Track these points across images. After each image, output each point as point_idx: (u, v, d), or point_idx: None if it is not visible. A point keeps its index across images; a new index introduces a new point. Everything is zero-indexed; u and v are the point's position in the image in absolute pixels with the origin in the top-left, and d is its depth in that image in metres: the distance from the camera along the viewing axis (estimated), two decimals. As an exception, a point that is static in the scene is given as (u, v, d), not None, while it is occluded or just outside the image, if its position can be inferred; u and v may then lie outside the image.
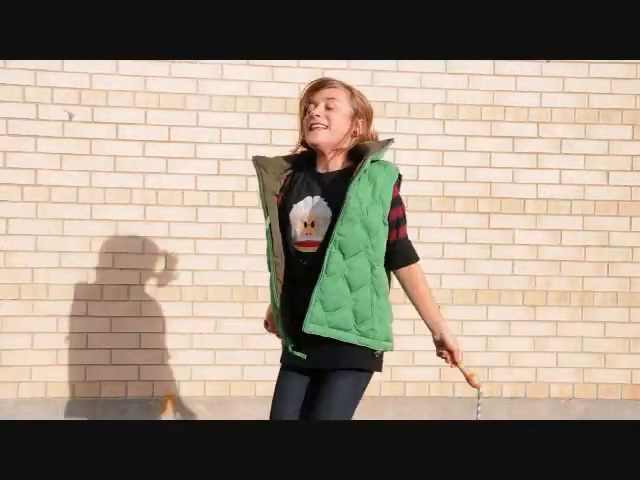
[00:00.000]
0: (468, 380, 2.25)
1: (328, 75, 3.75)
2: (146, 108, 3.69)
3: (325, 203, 2.09)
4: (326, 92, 2.11)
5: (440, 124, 3.88)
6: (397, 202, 2.13)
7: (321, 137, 2.11)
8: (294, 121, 3.69)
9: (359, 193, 2.04)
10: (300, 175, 2.19)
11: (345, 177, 2.08)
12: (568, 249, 3.94)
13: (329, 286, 2.04)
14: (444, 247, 3.89)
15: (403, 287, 2.23)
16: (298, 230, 2.12)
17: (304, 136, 2.17)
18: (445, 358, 2.25)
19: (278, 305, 2.12)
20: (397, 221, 2.13)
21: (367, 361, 2.17)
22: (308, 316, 2.03)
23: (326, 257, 2.02)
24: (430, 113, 3.88)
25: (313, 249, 2.09)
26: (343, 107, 2.11)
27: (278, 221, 2.13)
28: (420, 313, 2.23)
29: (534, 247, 3.92)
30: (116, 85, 3.68)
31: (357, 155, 2.13)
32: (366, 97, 2.21)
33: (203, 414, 3.70)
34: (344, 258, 2.04)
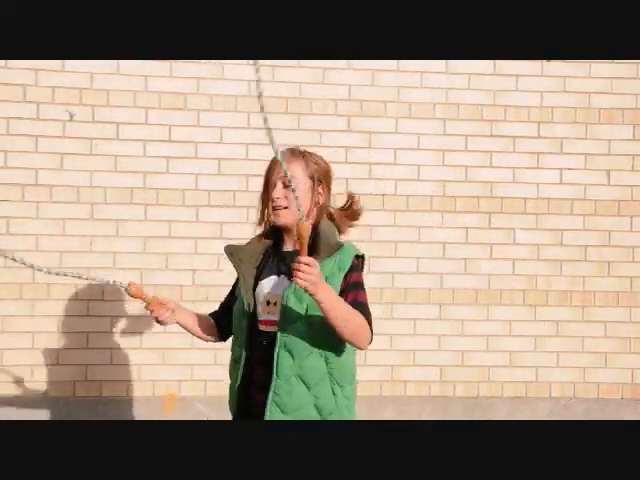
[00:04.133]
0: None
1: (329, 75, 3.81)
2: (147, 108, 3.70)
3: (287, 282, 2.02)
4: (281, 170, 2.05)
5: (441, 124, 3.89)
6: (353, 269, 2.02)
7: (284, 219, 2.07)
8: (295, 121, 3.80)
9: (298, 290, 1.94)
10: (270, 253, 2.15)
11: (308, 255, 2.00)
12: (569, 249, 3.94)
13: (283, 389, 1.98)
14: (445, 247, 3.89)
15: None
16: (260, 308, 2.08)
17: (267, 215, 2.13)
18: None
19: (237, 385, 2.09)
20: (352, 285, 2.01)
21: None
22: (267, 419, 1.97)
23: (275, 360, 1.97)
24: (431, 113, 3.88)
25: (273, 328, 2.03)
26: (300, 182, 2.06)
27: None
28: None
29: (535, 247, 3.93)
30: (117, 85, 3.68)
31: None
32: (321, 157, 2.14)
33: (203, 414, 3.70)
34: (293, 358, 1.98)
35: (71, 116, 3.63)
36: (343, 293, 1.99)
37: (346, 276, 2.01)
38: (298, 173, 2.06)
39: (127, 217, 3.69)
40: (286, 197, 2.05)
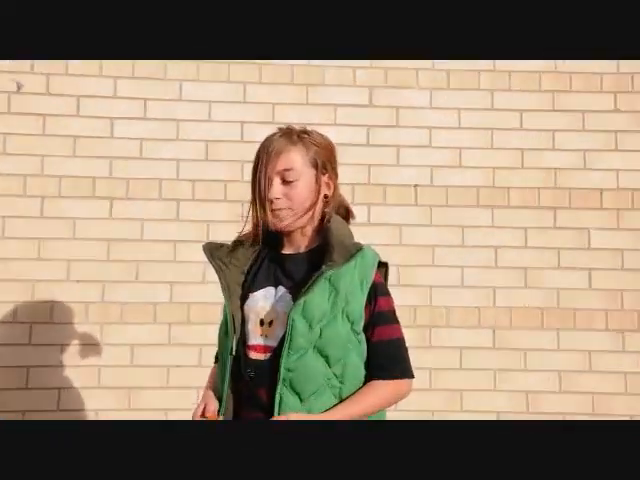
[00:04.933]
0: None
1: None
2: (115, 77, 3.17)
3: (289, 297, 1.72)
4: (279, 162, 1.77)
5: (488, 95, 3.20)
6: (378, 291, 1.73)
7: (285, 222, 1.79)
8: (302, 94, 3.17)
9: (308, 311, 1.66)
10: (264, 256, 1.85)
11: (316, 261, 1.73)
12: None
13: None
14: (497, 252, 3.18)
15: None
16: (251, 328, 1.74)
17: (263, 216, 1.78)
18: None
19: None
20: (379, 317, 1.72)
21: None
22: None
23: (276, 402, 1.66)
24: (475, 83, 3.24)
25: (262, 356, 1.71)
26: (302, 174, 1.78)
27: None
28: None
29: (618, 252, 3.15)
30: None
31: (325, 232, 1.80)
32: (320, 134, 1.82)
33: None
34: (300, 400, 1.67)
35: (19, 87, 3.13)
36: (368, 327, 1.71)
37: (370, 299, 1.71)
38: (297, 163, 1.77)
39: (85, 215, 3.11)
40: (287, 196, 1.78)
